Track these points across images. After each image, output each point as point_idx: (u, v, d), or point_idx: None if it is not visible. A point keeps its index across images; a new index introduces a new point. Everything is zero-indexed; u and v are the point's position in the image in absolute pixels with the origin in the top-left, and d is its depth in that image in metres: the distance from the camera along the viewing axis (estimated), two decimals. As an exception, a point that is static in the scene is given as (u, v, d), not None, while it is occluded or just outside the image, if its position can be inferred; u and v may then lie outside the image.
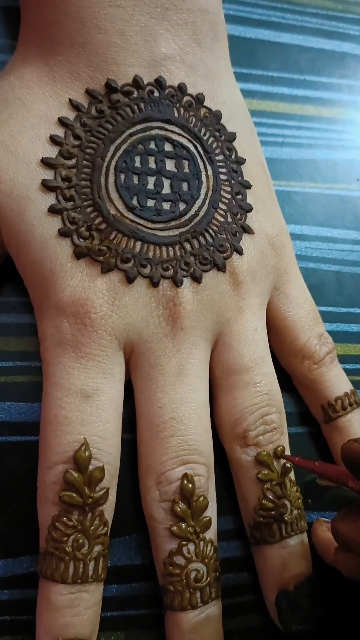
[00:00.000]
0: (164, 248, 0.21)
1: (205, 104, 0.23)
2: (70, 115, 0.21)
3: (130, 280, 0.20)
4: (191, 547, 0.20)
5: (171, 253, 0.21)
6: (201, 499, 0.20)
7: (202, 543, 0.20)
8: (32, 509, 0.20)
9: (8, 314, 0.23)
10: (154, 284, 0.20)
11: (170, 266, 0.21)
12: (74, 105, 0.21)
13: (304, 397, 0.25)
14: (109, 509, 0.20)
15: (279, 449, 0.22)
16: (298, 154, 0.28)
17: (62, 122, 0.20)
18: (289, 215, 0.25)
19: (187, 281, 0.21)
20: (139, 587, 0.21)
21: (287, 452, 0.22)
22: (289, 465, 0.22)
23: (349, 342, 0.26)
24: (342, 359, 0.25)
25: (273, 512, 0.21)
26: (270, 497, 0.21)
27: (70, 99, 0.21)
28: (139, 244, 0.20)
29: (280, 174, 0.27)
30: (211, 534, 0.20)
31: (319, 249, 0.27)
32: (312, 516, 0.23)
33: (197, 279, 0.21)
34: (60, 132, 0.20)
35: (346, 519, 0.19)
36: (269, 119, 0.28)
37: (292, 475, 0.22)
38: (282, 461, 0.22)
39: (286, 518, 0.21)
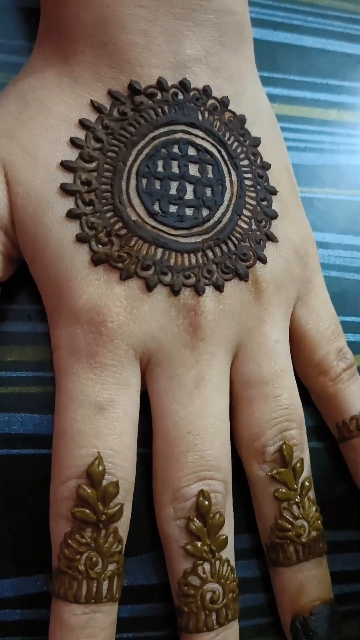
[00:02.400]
0: (185, 255, 0.20)
1: (229, 107, 0.22)
2: (92, 117, 0.20)
3: (150, 288, 0.19)
4: (207, 566, 0.19)
5: (193, 261, 0.20)
6: (217, 516, 0.19)
7: (218, 562, 0.19)
8: (47, 525, 0.19)
9: (24, 323, 0.22)
10: (175, 292, 0.20)
11: (192, 274, 0.20)
12: (95, 107, 0.20)
13: (321, 413, 0.24)
14: (123, 526, 0.19)
15: (297, 465, 0.21)
16: (320, 160, 0.27)
17: (83, 124, 0.20)
18: (311, 222, 0.25)
19: (209, 290, 0.20)
20: (156, 608, 0.21)
21: (307, 469, 0.21)
22: (307, 483, 0.21)
23: None
24: None
25: (290, 532, 0.21)
26: (287, 517, 0.21)
27: (92, 101, 0.20)
28: (160, 250, 0.20)
29: (301, 180, 0.26)
30: (228, 552, 0.20)
31: (342, 257, 0.26)
32: (335, 535, 0.23)
33: (219, 288, 0.20)
34: (81, 134, 0.20)
35: None
36: (290, 123, 0.27)
37: (311, 493, 0.21)
38: (302, 479, 0.21)
39: (304, 540, 0.21)
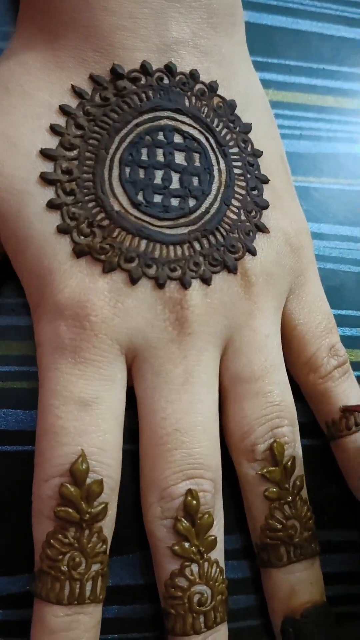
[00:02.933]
0: (171, 247, 0.20)
1: (218, 92, 0.22)
2: (73, 103, 0.20)
3: (134, 281, 0.19)
4: (194, 568, 0.19)
5: (179, 253, 0.20)
6: (206, 516, 0.19)
7: (206, 564, 0.19)
8: (30, 524, 0.19)
9: (8, 316, 0.22)
10: (160, 286, 0.20)
11: (178, 267, 0.20)
12: (76, 92, 0.20)
13: (313, 411, 0.24)
14: (108, 525, 0.19)
15: (289, 463, 0.21)
16: (317, 148, 0.27)
17: (63, 110, 0.20)
18: (306, 212, 0.24)
19: (195, 283, 0.20)
20: (142, 609, 0.21)
21: (299, 468, 0.21)
22: (298, 482, 0.21)
23: None
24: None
25: (281, 533, 0.21)
26: (278, 517, 0.21)
27: (72, 85, 0.20)
28: (144, 242, 0.20)
29: (297, 168, 0.26)
30: (217, 554, 0.20)
31: (338, 249, 0.26)
32: (328, 534, 0.23)
33: (206, 281, 0.20)
34: (61, 121, 0.20)
35: None
36: (285, 110, 0.27)
37: (303, 492, 0.21)
38: (293, 478, 0.21)
39: (295, 540, 0.21)
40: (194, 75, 0.21)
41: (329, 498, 0.23)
